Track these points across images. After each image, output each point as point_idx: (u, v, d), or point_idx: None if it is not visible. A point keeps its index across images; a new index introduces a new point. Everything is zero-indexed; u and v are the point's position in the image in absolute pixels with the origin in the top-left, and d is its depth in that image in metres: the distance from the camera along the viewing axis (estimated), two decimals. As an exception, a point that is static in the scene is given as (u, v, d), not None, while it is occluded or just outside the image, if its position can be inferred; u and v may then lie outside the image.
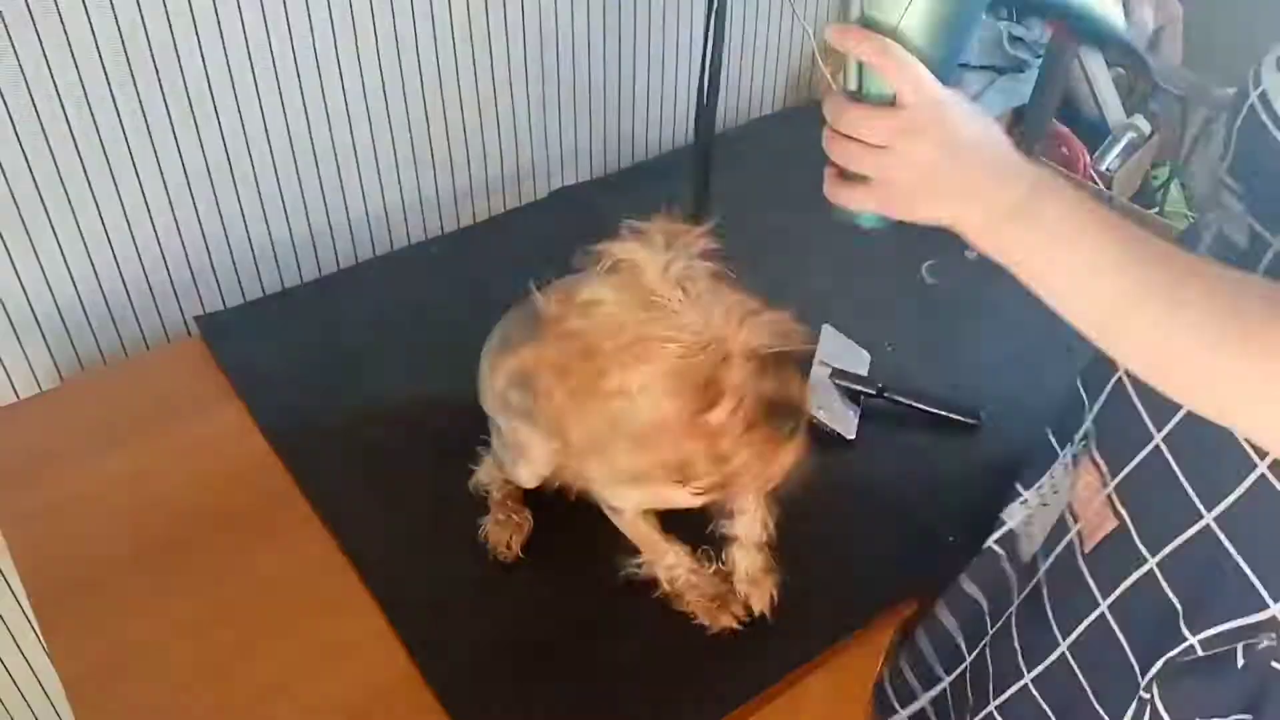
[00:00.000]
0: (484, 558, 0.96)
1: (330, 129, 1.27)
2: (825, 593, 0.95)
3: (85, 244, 1.15)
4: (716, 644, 0.90)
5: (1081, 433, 0.81)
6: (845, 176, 0.68)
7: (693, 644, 0.90)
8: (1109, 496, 0.75)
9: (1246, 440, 0.61)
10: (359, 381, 1.13)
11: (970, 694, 0.90)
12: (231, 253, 1.27)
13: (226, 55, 1.14)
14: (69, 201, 1.11)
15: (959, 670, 0.93)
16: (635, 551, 0.91)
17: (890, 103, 0.65)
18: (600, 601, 0.93)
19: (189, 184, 1.19)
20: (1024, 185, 0.61)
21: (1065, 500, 0.81)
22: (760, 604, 0.88)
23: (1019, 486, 0.89)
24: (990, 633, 0.88)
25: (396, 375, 1.14)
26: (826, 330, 1.20)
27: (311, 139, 1.26)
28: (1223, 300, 0.54)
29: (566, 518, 1.00)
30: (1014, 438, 1.08)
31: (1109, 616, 0.74)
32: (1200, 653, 0.67)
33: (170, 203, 1.19)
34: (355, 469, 1.03)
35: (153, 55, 1.09)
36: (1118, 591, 0.73)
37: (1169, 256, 0.56)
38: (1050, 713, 0.80)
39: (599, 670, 0.88)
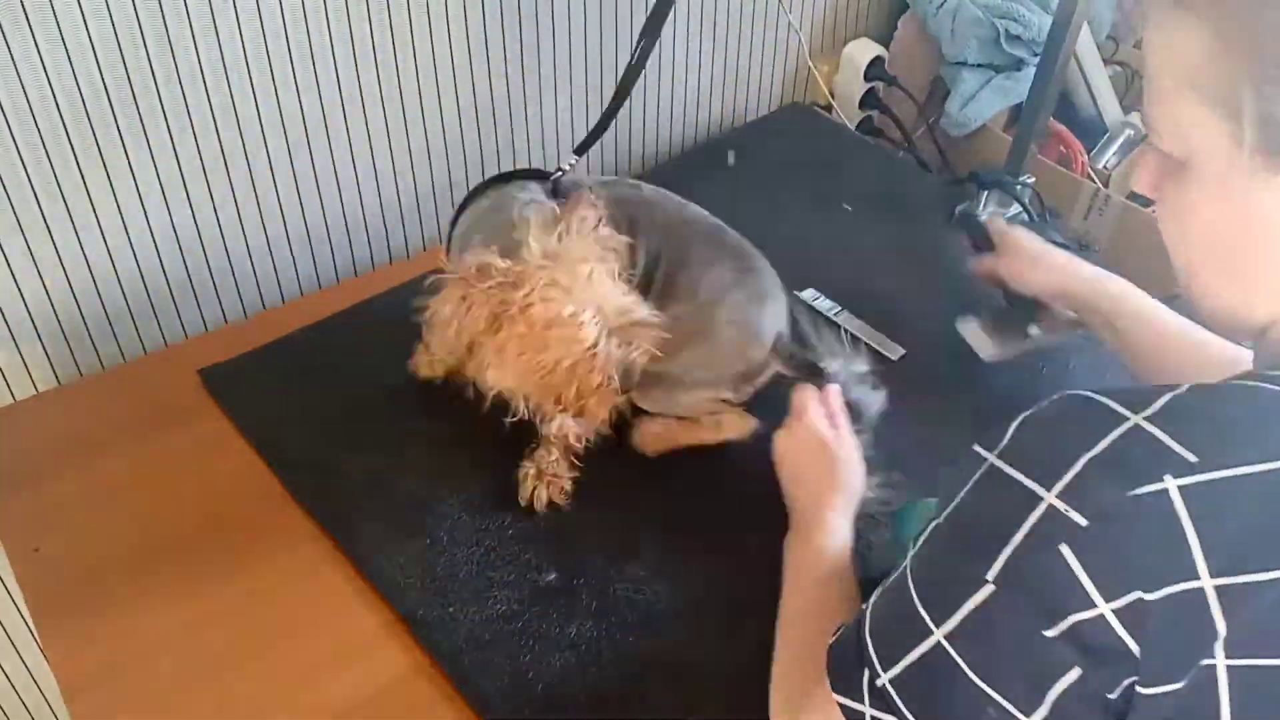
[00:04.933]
0: (484, 558, 0.95)
1: (328, 132, 1.26)
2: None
3: (82, 249, 1.15)
4: (733, 637, 0.90)
5: None
6: None
7: (707, 635, 0.90)
8: None
9: None
10: (356, 382, 1.13)
11: None
12: (228, 255, 1.27)
13: (224, 60, 1.14)
14: (66, 207, 1.11)
15: None
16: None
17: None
18: (606, 596, 0.93)
19: (185, 186, 1.19)
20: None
21: None
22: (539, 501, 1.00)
23: None
24: None
25: (394, 377, 1.13)
26: None
27: (309, 142, 1.25)
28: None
29: (569, 514, 1.00)
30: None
31: None
32: None
33: (167, 205, 1.18)
34: (352, 470, 1.03)
35: (150, 62, 1.09)
36: None
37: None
38: None
39: (604, 664, 0.88)
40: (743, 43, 1.63)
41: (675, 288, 1.01)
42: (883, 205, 1.44)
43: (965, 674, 0.57)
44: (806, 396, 0.97)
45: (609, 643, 0.89)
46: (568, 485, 1.00)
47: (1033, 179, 1.43)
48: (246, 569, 0.95)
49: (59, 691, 0.86)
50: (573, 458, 1.00)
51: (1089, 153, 1.72)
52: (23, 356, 1.17)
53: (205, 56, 1.12)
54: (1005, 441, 0.60)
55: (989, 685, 0.57)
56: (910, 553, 0.63)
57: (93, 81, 1.06)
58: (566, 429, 0.99)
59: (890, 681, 0.60)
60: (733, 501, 1.02)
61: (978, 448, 0.61)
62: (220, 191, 1.22)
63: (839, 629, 0.68)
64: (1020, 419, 0.61)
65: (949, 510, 0.61)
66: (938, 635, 0.58)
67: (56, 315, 1.17)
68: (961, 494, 0.61)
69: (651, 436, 1.04)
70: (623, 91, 1.05)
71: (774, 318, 1.04)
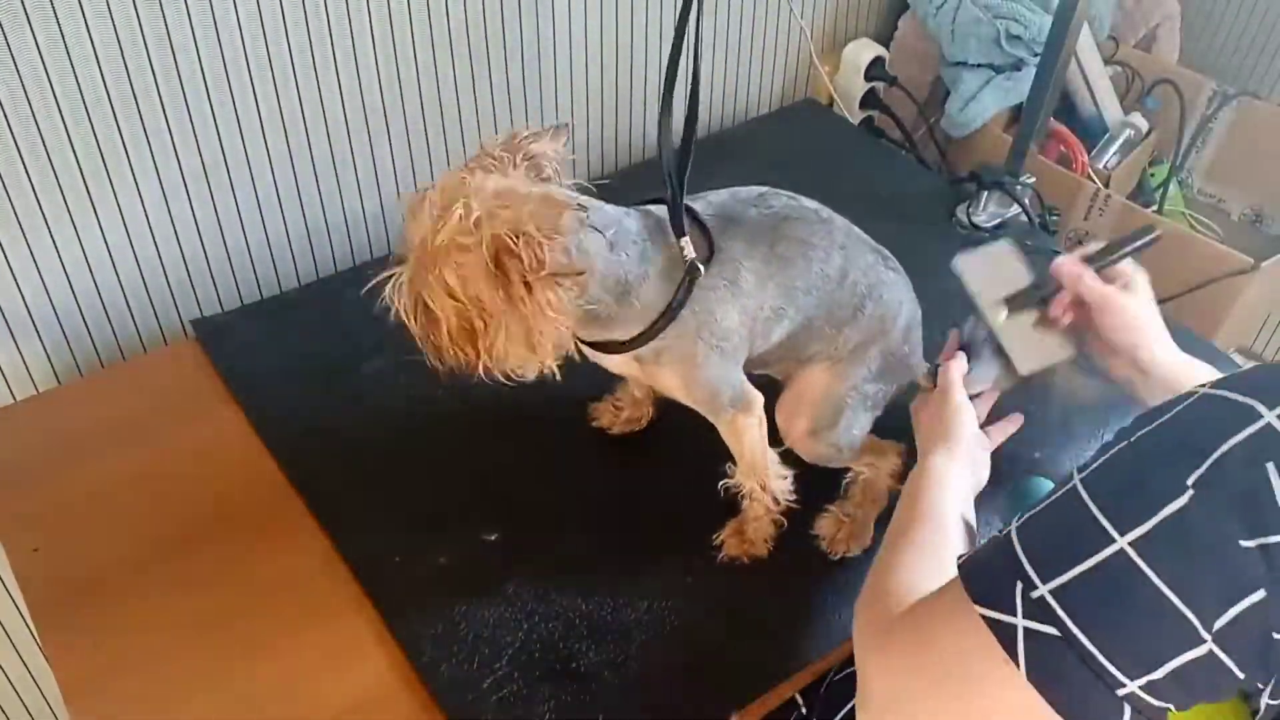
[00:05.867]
0: (483, 558, 0.95)
1: (327, 129, 1.26)
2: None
3: (82, 247, 1.15)
4: (729, 645, 0.91)
5: None
6: None
7: (702, 648, 0.90)
8: None
9: None
10: (356, 383, 1.13)
11: None
12: (228, 255, 1.27)
13: (223, 57, 1.14)
14: (65, 205, 1.11)
15: None
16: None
17: None
18: (602, 604, 0.93)
19: (185, 186, 1.19)
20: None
21: None
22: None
23: None
24: None
25: (394, 377, 1.13)
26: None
27: (308, 140, 1.25)
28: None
29: (569, 522, 1.00)
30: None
31: None
32: None
33: (167, 205, 1.19)
34: (352, 470, 1.03)
35: (149, 58, 1.09)
36: None
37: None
38: None
39: (599, 672, 0.88)
40: (743, 42, 1.63)
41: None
42: (888, 202, 1.44)
43: (1150, 580, 0.55)
44: (949, 365, 0.97)
45: (542, 600, 0.92)
46: (762, 550, 0.97)
47: (1033, 179, 1.43)
48: (246, 569, 0.95)
49: (59, 691, 0.86)
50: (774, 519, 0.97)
51: (1089, 153, 1.72)
52: (23, 356, 1.17)
53: (205, 57, 1.12)
54: (1226, 376, 0.59)
55: (1175, 593, 0.55)
56: (1077, 477, 0.62)
57: (93, 82, 1.06)
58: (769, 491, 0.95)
59: (1052, 591, 0.58)
60: (675, 483, 1.03)
61: (1193, 388, 0.60)
62: (220, 191, 1.22)
63: (972, 551, 0.66)
64: (1255, 365, 0.60)
65: (1142, 433, 0.60)
66: (1121, 543, 0.56)
67: (56, 315, 1.17)
68: (1161, 419, 0.60)
69: (842, 540, 0.99)
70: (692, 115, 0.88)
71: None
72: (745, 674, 0.89)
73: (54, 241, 1.13)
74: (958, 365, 0.97)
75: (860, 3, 1.76)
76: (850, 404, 0.95)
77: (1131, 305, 0.94)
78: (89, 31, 1.04)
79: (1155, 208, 1.73)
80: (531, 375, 0.81)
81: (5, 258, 1.10)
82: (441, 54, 1.31)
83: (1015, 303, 0.96)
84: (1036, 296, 0.96)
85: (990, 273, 0.99)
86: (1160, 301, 0.96)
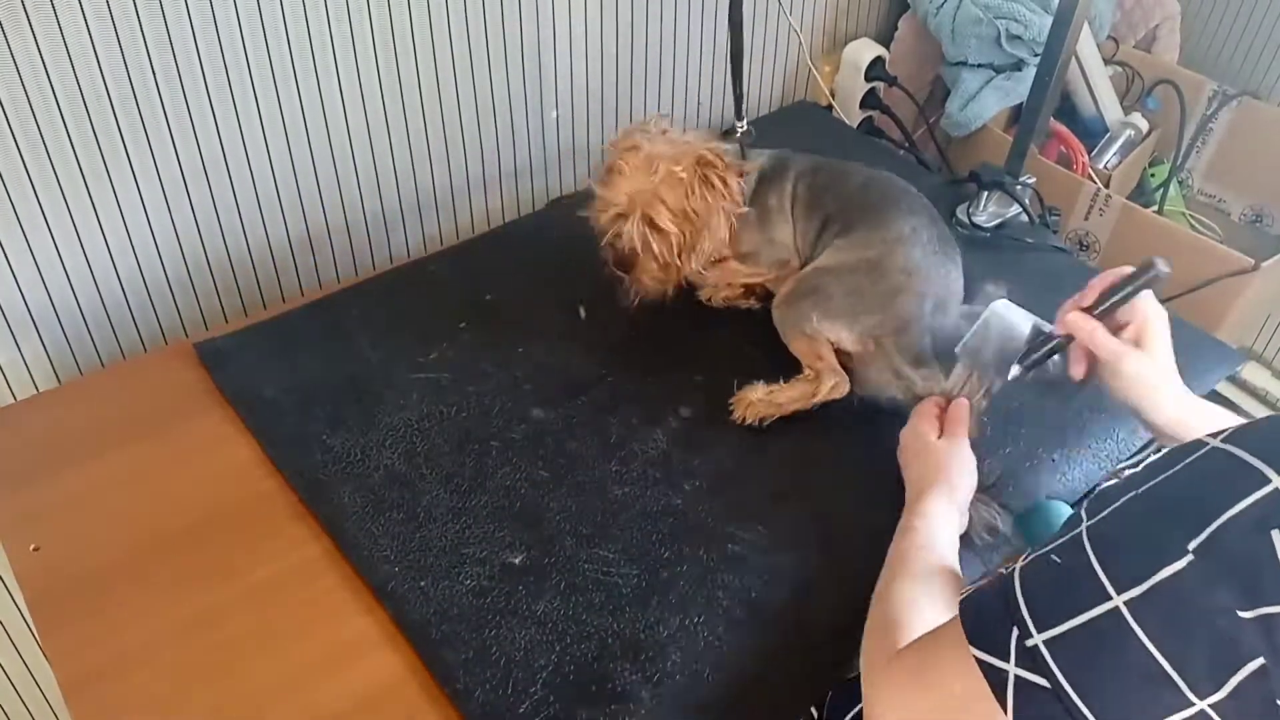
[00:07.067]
0: (509, 580, 0.94)
1: (328, 134, 1.26)
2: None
3: (82, 247, 1.15)
4: (766, 658, 0.90)
5: None
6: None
7: (740, 662, 0.89)
8: None
9: None
10: (365, 401, 1.11)
11: None
12: (229, 255, 1.27)
13: (224, 59, 1.14)
14: (67, 205, 1.11)
15: None
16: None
17: None
18: (634, 622, 0.91)
19: (186, 185, 1.19)
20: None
21: None
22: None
23: None
24: None
25: (401, 396, 1.13)
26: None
27: (309, 144, 1.25)
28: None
29: (594, 540, 0.99)
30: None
31: None
32: None
33: (167, 205, 1.19)
34: (352, 470, 1.03)
35: (150, 60, 1.09)
36: None
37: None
38: None
39: (637, 692, 0.87)
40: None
41: (853, 227, 1.13)
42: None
43: (1141, 643, 0.55)
44: (929, 404, 1.03)
45: (573, 621, 0.90)
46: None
47: (1033, 179, 1.43)
48: (246, 568, 0.95)
49: (59, 691, 0.86)
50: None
51: (1089, 153, 1.72)
52: (23, 356, 1.17)
53: (205, 56, 1.12)
54: (1237, 429, 0.58)
55: (1166, 657, 0.55)
56: (1085, 522, 0.62)
57: (93, 81, 1.06)
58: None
59: (1046, 642, 0.59)
60: (695, 495, 1.02)
61: (1203, 437, 0.60)
62: (220, 191, 1.22)
63: (974, 586, 0.67)
64: (1266, 417, 0.60)
65: (1150, 485, 0.60)
66: (1117, 600, 0.56)
67: (56, 314, 1.17)
68: (1170, 471, 0.59)
69: (752, 403, 1.09)
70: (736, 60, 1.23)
71: (947, 283, 1.11)
72: (785, 686, 0.87)
73: (54, 241, 1.13)
74: (965, 405, 1.01)
75: (860, 3, 1.77)
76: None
77: (1143, 370, 0.88)
78: (89, 31, 1.04)
79: (1155, 208, 1.73)
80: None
81: (5, 258, 1.10)
82: (442, 52, 1.31)
83: (1027, 359, 0.96)
84: (1046, 349, 0.95)
85: (995, 341, 1.00)
86: (1160, 302, 0.95)
